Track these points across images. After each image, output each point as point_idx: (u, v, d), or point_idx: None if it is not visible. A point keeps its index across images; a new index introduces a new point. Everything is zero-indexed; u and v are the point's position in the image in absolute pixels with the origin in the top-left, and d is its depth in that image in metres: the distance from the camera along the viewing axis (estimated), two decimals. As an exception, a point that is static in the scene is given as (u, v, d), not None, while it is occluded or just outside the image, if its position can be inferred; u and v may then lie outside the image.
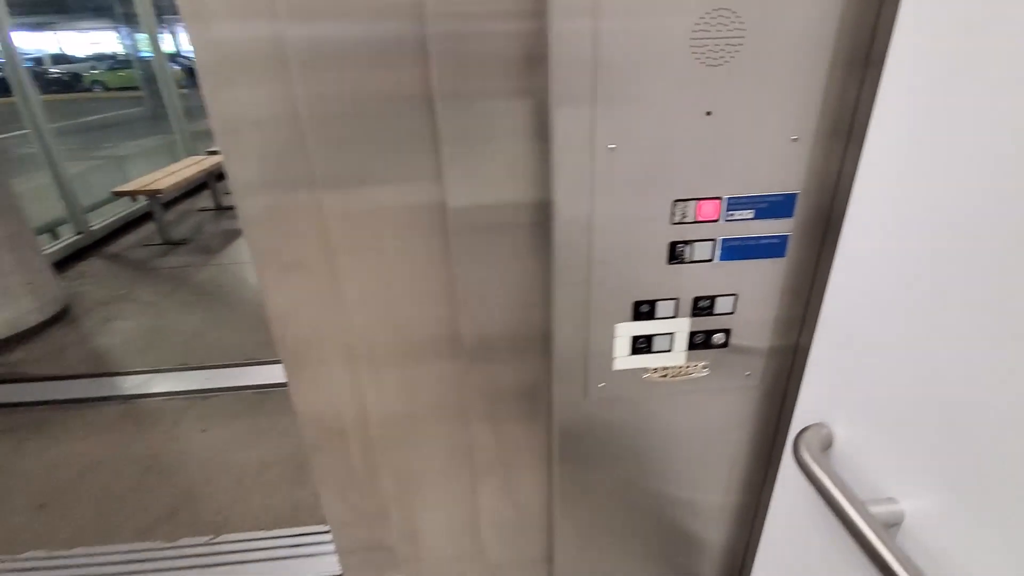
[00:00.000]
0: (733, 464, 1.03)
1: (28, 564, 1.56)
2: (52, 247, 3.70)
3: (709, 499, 1.08)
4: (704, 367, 0.89)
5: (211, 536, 1.62)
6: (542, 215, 0.82)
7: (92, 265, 3.77)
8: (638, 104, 0.69)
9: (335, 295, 0.97)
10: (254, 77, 0.82)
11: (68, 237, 3.92)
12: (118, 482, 1.85)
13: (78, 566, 1.55)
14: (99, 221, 4.25)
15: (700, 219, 0.76)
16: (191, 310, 3.08)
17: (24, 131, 3.85)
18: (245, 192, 0.88)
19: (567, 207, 0.75)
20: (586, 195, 0.73)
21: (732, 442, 1.00)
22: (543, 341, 0.94)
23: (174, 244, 4.10)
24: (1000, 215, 0.47)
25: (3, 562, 1.57)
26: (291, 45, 0.79)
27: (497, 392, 1.03)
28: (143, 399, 2.28)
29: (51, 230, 3.95)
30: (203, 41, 0.81)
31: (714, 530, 1.14)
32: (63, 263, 3.67)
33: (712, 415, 0.96)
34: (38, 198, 3.89)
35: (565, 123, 0.70)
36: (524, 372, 1.00)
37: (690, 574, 1.22)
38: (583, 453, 1.00)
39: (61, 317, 2.95)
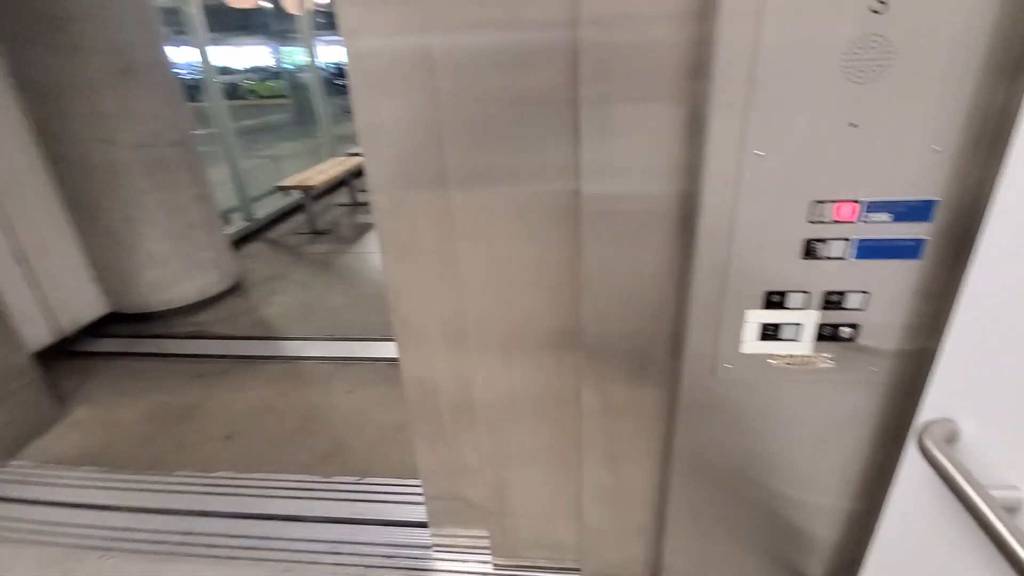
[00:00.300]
0: (851, 458, 1.07)
1: (219, 482, 1.94)
2: (228, 231, 4.40)
3: (823, 491, 1.13)
4: (829, 359, 0.96)
5: (358, 477, 1.91)
6: (672, 206, 0.95)
7: (256, 248, 4.43)
8: (787, 113, 0.80)
9: (451, 279, 1.17)
10: (400, 85, 1.03)
11: (239, 223, 4.62)
12: (284, 425, 2.22)
13: (256, 488, 1.90)
14: (262, 211, 4.95)
15: (837, 219, 0.84)
16: (334, 290, 3.53)
17: (211, 131, 4.60)
18: (379, 188, 1.10)
19: (713, 202, 0.87)
20: (731, 192, 0.85)
21: (851, 436, 1.05)
22: (661, 322, 1.07)
23: (319, 233, 4.68)
24: None
25: (201, 478, 1.96)
26: (439, 55, 0.98)
27: (607, 370, 1.17)
28: (300, 360, 2.69)
29: (226, 216, 4.68)
30: (357, 54, 1.04)
31: (826, 524, 1.18)
32: (235, 244, 4.34)
33: (833, 407, 1.02)
34: (218, 189, 4.62)
35: (720, 127, 0.82)
36: (637, 351, 1.13)
37: (798, 567, 1.27)
38: (704, 431, 1.10)
39: (235, 289, 3.52)
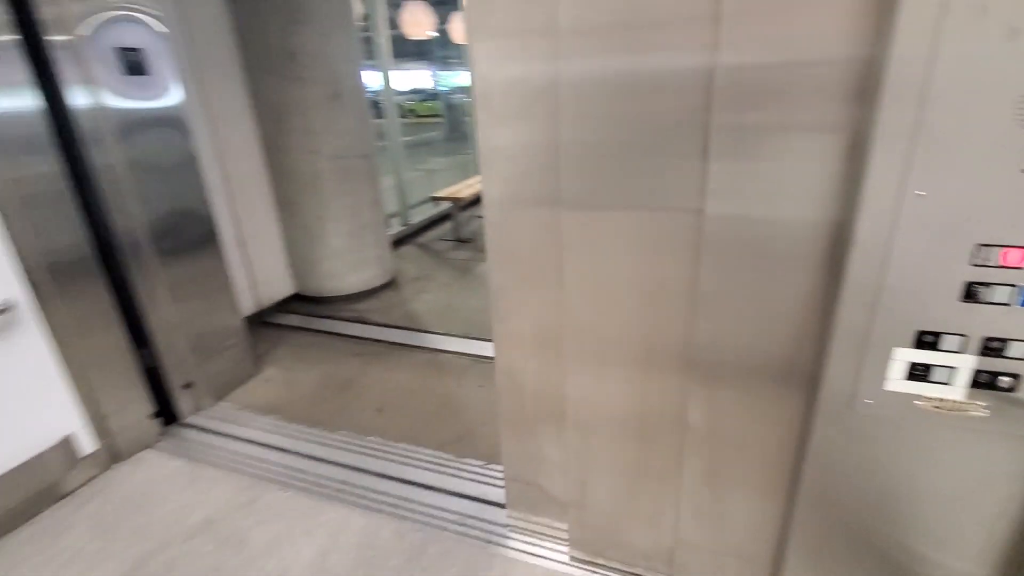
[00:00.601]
0: (998, 520, 1.01)
1: (371, 445, 2.26)
2: (388, 233, 4.99)
3: (960, 554, 1.07)
4: (984, 407, 0.93)
5: (484, 462, 2.11)
6: (811, 233, 0.99)
7: (409, 250, 4.97)
8: (954, 153, 0.82)
9: (551, 288, 1.30)
10: (520, 112, 1.17)
11: (397, 227, 5.22)
12: (425, 406, 2.51)
13: (400, 455, 2.19)
14: (416, 218, 5.54)
15: (1004, 264, 0.84)
16: (473, 294, 3.85)
17: (383, 145, 5.26)
18: (492, 204, 1.25)
19: (867, 235, 0.90)
20: (887, 228, 0.88)
21: (1000, 495, 0.99)
22: (784, 348, 1.10)
23: (462, 241, 5.11)
24: None
25: (357, 440, 2.30)
26: (564, 83, 1.11)
27: (717, 391, 1.21)
28: (440, 353, 3.00)
29: (387, 220, 5.30)
30: (481, 82, 1.19)
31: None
32: (393, 245, 4.91)
33: (983, 460, 0.98)
34: (384, 196, 5.26)
35: (882, 162, 0.86)
36: (754, 375, 1.16)
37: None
38: (835, 465, 1.11)
39: (390, 284, 4.00)
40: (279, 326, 3.44)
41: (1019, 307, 0.84)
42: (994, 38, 0.76)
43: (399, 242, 5.07)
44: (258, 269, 3.40)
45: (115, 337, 2.12)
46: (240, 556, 1.73)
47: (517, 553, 1.69)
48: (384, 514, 1.88)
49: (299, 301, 3.74)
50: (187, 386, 2.46)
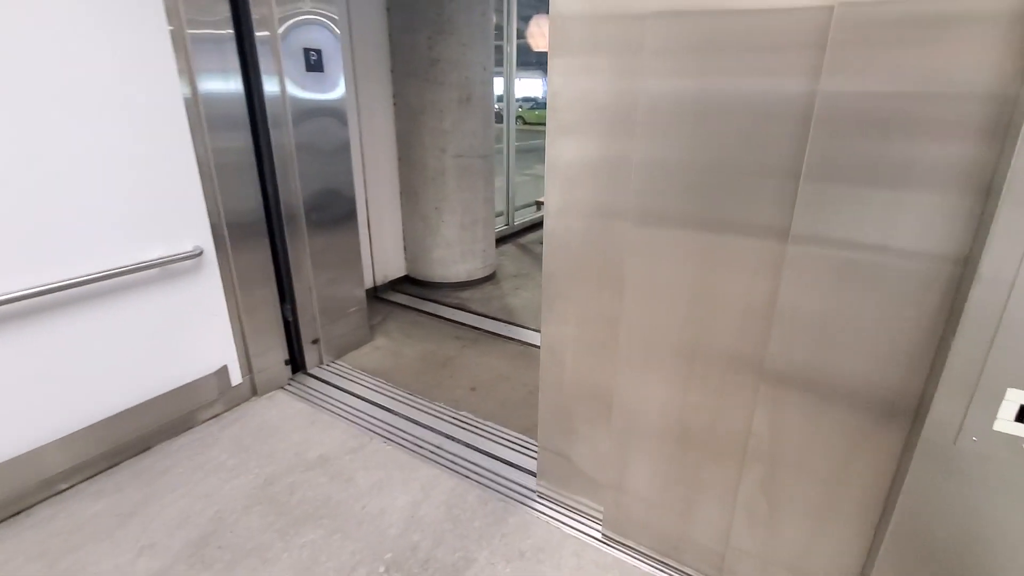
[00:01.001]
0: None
1: (464, 419, 2.46)
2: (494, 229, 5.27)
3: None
4: (1108, 463, 0.91)
5: (566, 452, 2.23)
6: (927, 265, 1.01)
7: (510, 248, 5.21)
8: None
9: (606, 288, 1.39)
10: (594, 127, 1.28)
11: (501, 226, 5.48)
12: (513, 393, 2.68)
13: (489, 432, 2.37)
14: (519, 219, 5.77)
15: None
16: (568, 298, 3.98)
17: (499, 147, 5.55)
18: (550, 213, 1.36)
19: (991, 273, 0.92)
20: (1014, 267, 0.90)
21: None
22: (887, 376, 1.11)
23: (561, 247, 5.25)
24: None
25: (451, 412, 2.51)
26: (640, 102, 1.20)
27: (784, 404, 1.24)
28: (532, 347, 3.16)
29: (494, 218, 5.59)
30: (554, 97, 1.31)
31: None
32: (496, 242, 5.17)
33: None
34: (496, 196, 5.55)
35: (1013, 202, 0.89)
36: (827, 394, 1.18)
37: None
38: (931, 498, 1.11)
39: (491, 278, 4.24)
40: (389, 302, 3.78)
41: None
42: None
43: (502, 240, 5.32)
44: (378, 249, 3.77)
45: (268, 291, 2.50)
46: (347, 492, 1.99)
47: (586, 538, 1.79)
48: (471, 481, 2.06)
49: (408, 283, 4.08)
50: (314, 342, 2.82)
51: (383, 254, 3.83)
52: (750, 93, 1.14)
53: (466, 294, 3.96)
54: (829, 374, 1.20)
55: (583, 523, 1.85)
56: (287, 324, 2.67)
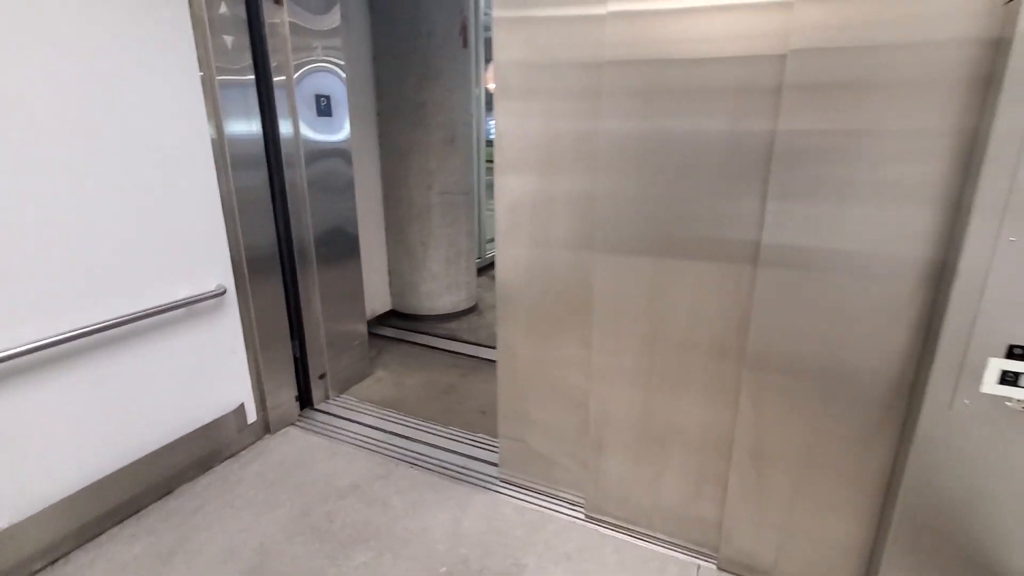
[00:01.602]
0: (1086, 511, 1.23)
1: (479, 440, 2.56)
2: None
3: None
4: (1067, 411, 1.19)
5: (585, 463, 2.38)
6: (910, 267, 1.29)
7: (484, 280, 5.37)
8: (1038, 216, 1.12)
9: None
10: (531, 164, 1.57)
11: (477, 258, 5.64)
12: (523, 414, 2.80)
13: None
14: (490, 252, 5.97)
15: (1080, 295, 1.12)
16: (551, 324, 4.17)
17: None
18: (501, 242, 1.63)
19: (968, 269, 1.20)
20: (985, 264, 1.18)
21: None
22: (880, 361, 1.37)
23: (533, 277, 5.48)
24: None
25: (467, 434, 2.61)
26: (598, 140, 1.50)
27: (766, 385, 1.50)
28: (529, 371, 3.31)
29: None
30: (502, 135, 1.60)
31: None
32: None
33: (1068, 457, 1.22)
34: (463, 231, 5.72)
35: (982, 216, 1.17)
36: (810, 377, 1.43)
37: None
38: (937, 456, 1.35)
39: (474, 308, 4.38)
40: (380, 336, 3.83)
41: (1093, 328, 1.12)
42: (1071, 132, 1.07)
43: (480, 272, 5.48)
44: (367, 284, 3.83)
45: (281, 326, 2.53)
46: (386, 515, 2.04)
47: (614, 531, 1.94)
48: (502, 495, 2.16)
49: (395, 316, 4.14)
50: (321, 376, 2.84)
51: (371, 288, 3.89)
52: (711, 131, 1.45)
53: (453, 325, 4.07)
54: (789, 356, 1.46)
55: (582, 513, 2.00)
56: (295, 360, 2.69)
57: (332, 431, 2.61)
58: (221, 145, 2.14)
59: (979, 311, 1.22)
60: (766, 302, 1.50)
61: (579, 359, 1.89)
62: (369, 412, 2.80)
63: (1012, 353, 1.20)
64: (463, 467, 2.34)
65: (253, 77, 2.25)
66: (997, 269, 1.18)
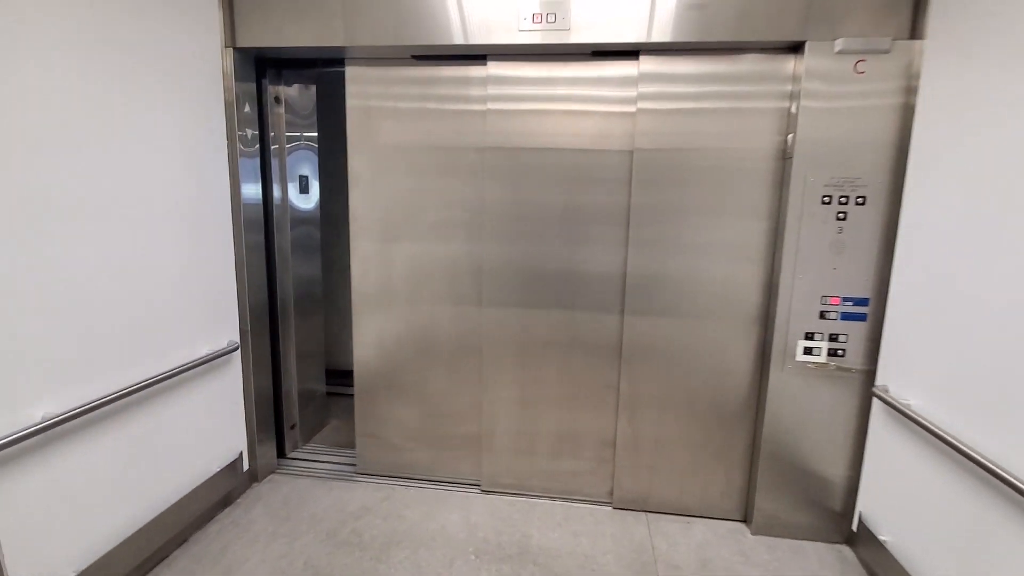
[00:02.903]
0: (843, 412, 2.28)
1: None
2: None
3: (823, 437, 2.31)
4: (833, 366, 2.23)
5: (542, 465, 3.01)
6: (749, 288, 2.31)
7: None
8: (809, 259, 2.19)
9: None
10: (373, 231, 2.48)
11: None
12: (478, 438, 3.34)
13: (474, 468, 2.99)
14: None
15: (833, 303, 2.19)
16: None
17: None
18: (356, 284, 2.49)
19: (782, 287, 2.22)
20: (790, 286, 2.21)
21: (842, 400, 2.27)
22: (741, 342, 2.36)
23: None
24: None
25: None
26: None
27: (638, 368, 2.44)
28: (467, 407, 3.85)
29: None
30: (355, 209, 2.51)
31: (826, 464, 2.32)
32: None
33: (833, 392, 2.26)
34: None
35: (786, 262, 2.20)
36: (658, 356, 2.40)
37: (823, 501, 2.37)
38: (778, 397, 2.32)
39: (394, 362, 4.76)
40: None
41: (840, 320, 2.18)
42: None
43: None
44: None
45: (267, 378, 2.77)
46: (405, 523, 2.42)
47: (578, 503, 2.61)
48: (496, 494, 2.68)
49: (327, 373, 4.34)
50: (292, 427, 3.05)
51: (304, 348, 4.09)
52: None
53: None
54: (643, 344, 2.39)
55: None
56: (276, 409, 2.90)
57: (316, 472, 2.85)
58: (238, 208, 2.46)
59: (790, 315, 2.23)
60: (634, 337, 2.39)
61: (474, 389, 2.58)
62: (341, 454, 3.07)
63: (807, 336, 2.23)
64: (452, 481, 2.80)
65: (259, 148, 2.63)
66: (795, 291, 2.22)
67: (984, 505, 1.59)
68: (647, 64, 2.26)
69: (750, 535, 2.40)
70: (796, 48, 2.13)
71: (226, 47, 2.36)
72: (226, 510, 2.47)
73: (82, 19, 1.69)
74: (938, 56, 1.89)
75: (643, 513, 2.56)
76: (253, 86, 2.56)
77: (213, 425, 2.38)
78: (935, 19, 1.92)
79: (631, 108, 2.31)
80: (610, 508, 2.59)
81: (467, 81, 2.44)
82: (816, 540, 2.36)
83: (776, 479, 2.37)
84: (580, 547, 2.30)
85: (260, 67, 2.62)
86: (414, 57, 2.45)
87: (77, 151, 1.69)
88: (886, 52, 2.01)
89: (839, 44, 2.02)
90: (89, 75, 1.72)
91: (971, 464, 1.59)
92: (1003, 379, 1.54)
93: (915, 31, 2.00)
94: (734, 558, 2.24)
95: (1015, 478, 1.43)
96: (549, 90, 2.36)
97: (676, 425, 2.49)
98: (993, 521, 1.56)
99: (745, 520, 2.50)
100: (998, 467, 1.49)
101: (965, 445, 1.61)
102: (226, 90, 2.37)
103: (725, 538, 2.38)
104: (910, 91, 2.01)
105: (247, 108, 2.47)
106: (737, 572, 2.15)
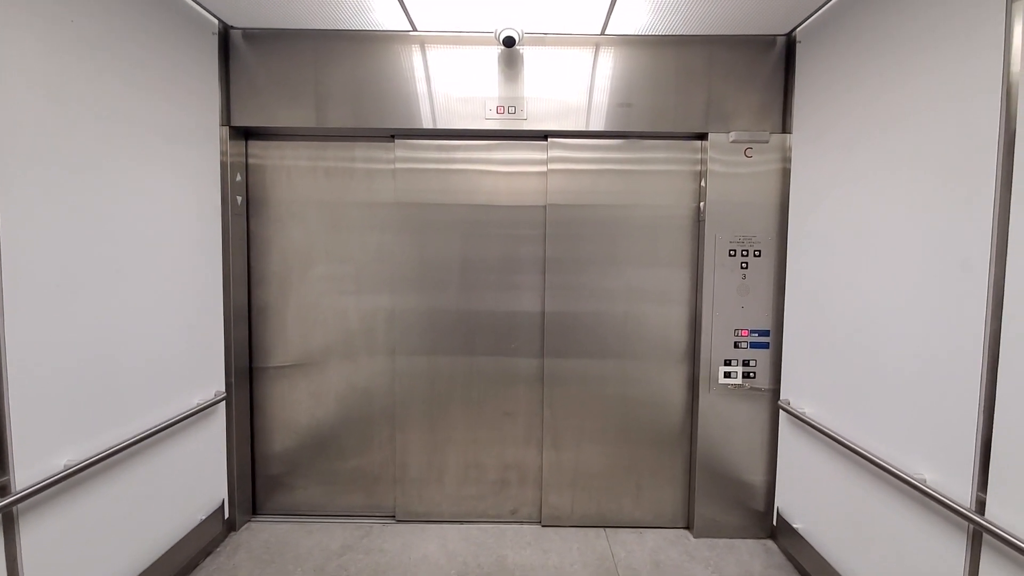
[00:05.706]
0: (758, 425, 2.77)
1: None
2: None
3: (745, 448, 2.78)
4: (748, 387, 2.74)
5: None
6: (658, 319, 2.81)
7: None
8: (715, 305, 2.72)
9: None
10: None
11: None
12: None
13: (444, 504, 3.21)
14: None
15: (743, 335, 2.72)
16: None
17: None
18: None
19: (704, 322, 2.72)
20: (710, 322, 2.72)
21: (757, 414, 2.76)
22: (675, 366, 2.83)
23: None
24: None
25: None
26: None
27: (560, 395, 2.89)
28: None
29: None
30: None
31: (749, 471, 2.79)
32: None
33: (748, 408, 2.75)
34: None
35: (706, 306, 2.72)
36: (579, 385, 2.86)
37: (745, 500, 2.82)
38: (708, 411, 2.78)
39: (350, 412, 4.87)
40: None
41: (749, 348, 2.70)
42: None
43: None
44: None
45: (246, 427, 2.89)
46: (387, 556, 2.60)
47: (538, 525, 2.90)
48: (470, 524, 2.90)
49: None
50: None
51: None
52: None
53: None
54: (573, 375, 2.85)
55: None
56: (251, 458, 3.00)
57: (290, 519, 2.95)
58: (227, 265, 2.67)
59: (712, 346, 2.73)
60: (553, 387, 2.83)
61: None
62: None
63: (725, 363, 2.74)
64: (423, 516, 3.00)
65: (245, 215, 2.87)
66: (714, 327, 2.73)
67: (864, 485, 2.08)
68: (591, 151, 2.79)
69: (693, 538, 2.79)
70: (703, 136, 2.73)
71: (222, 125, 2.64)
72: (209, 558, 2.53)
73: (101, 95, 1.95)
74: (801, 144, 2.54)
75: (603, 528, 2.88)
76: (243, 160, 2.83)
77: (200, 473, 2.48)
78: (797, 119, 2.58)
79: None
80: (572, 527, 2.89)
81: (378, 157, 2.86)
82: (747, 537, 2.79)
83: (711, 488, 2.79)
84: (551, 561, 2.58)
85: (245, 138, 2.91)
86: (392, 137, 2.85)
87: (100, 213, 1.91)
88: (766, 142, 2.65)
89: (732, 136, 2.64)
90: (112, 152, 1.96)
91: (847, 451, 2.09)
92: (854, 381, 2.07)
93: (785, 127, 2.66)
94: (681, 558, 2.61)
95: (871, 454, 1.93)
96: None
97: (627, 452, 2.88)
98: (870, 493, 2.04)
99: (688, 526, 2.89)
100: (859, 447, 1.99)
101: (842, 436, 2.11)
102: (221, 165, 2.63)
103: (673, 543, 2.75)
104: (786, 170, 2.65)
105: (238, 177, 2.74)
106: (684, 570, 2.51)
